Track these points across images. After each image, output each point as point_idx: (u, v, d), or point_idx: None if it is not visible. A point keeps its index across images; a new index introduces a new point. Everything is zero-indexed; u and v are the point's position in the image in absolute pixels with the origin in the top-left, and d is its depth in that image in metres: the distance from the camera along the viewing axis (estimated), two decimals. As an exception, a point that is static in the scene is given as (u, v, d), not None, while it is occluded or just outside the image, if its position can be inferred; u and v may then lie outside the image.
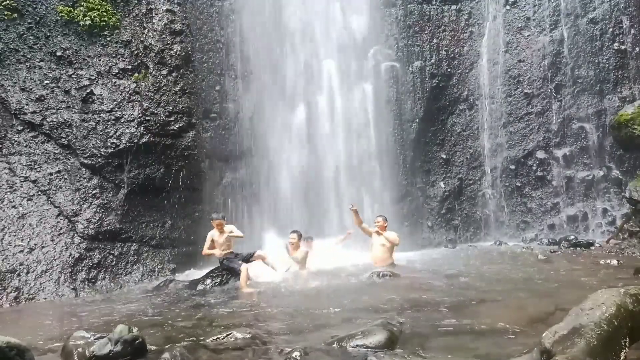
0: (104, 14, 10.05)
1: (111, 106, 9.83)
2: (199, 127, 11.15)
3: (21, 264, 8.47)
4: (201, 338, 4.88)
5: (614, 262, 8.28)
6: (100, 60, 10.00)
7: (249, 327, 5.28)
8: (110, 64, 10.03)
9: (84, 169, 9.65)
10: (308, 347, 4.18)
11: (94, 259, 9.26)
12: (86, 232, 9.30)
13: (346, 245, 10.37)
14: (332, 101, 12.80)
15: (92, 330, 4.89)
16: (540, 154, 13.64)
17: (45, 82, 9.70)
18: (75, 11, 9.92)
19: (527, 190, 13.70)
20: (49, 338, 5.35)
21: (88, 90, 9.80)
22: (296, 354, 4.00)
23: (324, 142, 12.63)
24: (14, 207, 8.98)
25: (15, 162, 9.35)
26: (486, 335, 4.52)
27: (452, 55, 14.09)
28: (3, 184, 9.09)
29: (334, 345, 4.25)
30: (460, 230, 13.72)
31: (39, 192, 9.29)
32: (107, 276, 9.30)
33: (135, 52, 10.26)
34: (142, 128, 9.94)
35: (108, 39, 10.13)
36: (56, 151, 9.63)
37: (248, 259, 8.64)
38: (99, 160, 9.66)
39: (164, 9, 10.62)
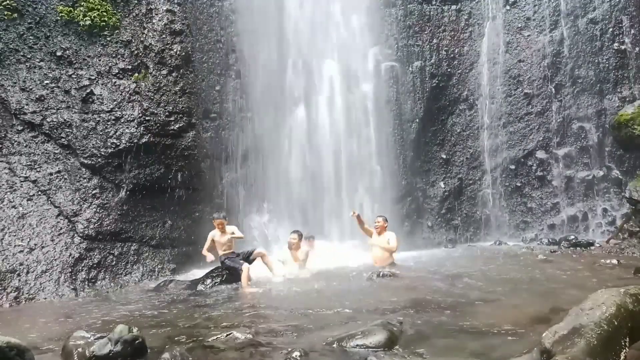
0: (104, 14, 10.05)
1: (111, 106, 9.83)
2: (199, 127, 11.15)
3: (21, 264, 8.47)
4: (201, 338, 4.88)
5: (614, 262, 8.27)
6: (100, 60, 10.00)
7: (249, 327, 5.28)
8: (110, 64, 10.03)
9: (84, 169, 9.65)
10: (308, 347, 4.18)
11: (94, 259, 9.26)
12: (86, 232, 9.30)
13: (346, 245, 10.37)
14: (332, 101, 12.80)
15: (92, 330, 4.89)
16: (540, 154, 13.64)
17: (45, 82, 9.70)
18: (75, 11, 9.92)
19: (527, 190, 13.70)
20: (49, 338, 5.35)
21: (88, 90, 9.80)
22: (296, 354, 4.00)
23: (324, 142, 12.63)
24: (14, 207, 8.98)
25: (15, 162, 9.35)
26: (486, 335, 4.52)
27: (452, 55, 14.09)
28: (3, 184, 9.10)
29: (334, 345, 4.25)
30: (460, 230, 13.72)
31: (39, 192, 9.29)
32: (107, 276, 9.30)
33: (135, 52, 10.26)
34: (142, 128, 9.94)
35: (108, 39, 10.13)
36: (56, 151, 9.63)
37: (248, 257, 8.64)
38: (99, 160, 9.66)
39: (164, 9, 10.62)
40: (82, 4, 9.96)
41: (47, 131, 9.62)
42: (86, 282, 8.96)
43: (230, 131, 12.12)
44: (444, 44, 14.06)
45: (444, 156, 14.00)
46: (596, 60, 13.41)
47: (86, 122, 9.70)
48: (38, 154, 9.52)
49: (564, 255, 9.86)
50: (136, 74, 10.16)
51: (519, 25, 14.04)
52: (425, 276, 8.23)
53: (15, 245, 8.62)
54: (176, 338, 4.99)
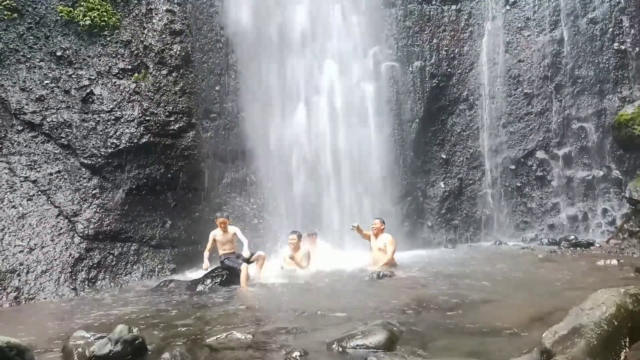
0: (104, 14, 10.06)
1: (111, 106, 9.83)
2: (199, 127, 11.15)
3: (21, 264, 8.47)
4: (201, 338, 4.88)
5: (614, 262, 8.27)
6: (100, 60, 10.00)
7: (249, 327, 5.29)
8: (110, 64, 10.03)
9: (84, 169, 9.65)
10: (308, 347, 4.18)
11: (94, 259, 9.26)
12: (86, 232, 9.30)
13: (346, 245, 10.37)
14: (332, 101, 12.79)
15: (92, 330, 4.89)
16: (540, 154, 13.64)
17: (45, 82, 9.70)
18: (75, 11, 9.92)
19: (527, 190, 13.70)
20: (49, 338, 5.35)
21: (88, 90, 9.80)
22: (296, 354, 4.00)
23: (324, 142, 12.62)
24: (14, 207, 8.98)
25: (15, 162, 9.35)
26: (486, 335, 4.52)
27: (452, 55, 14.09)
28: (3, 184, 9.09)
29: (334, 345, 4.25)
30: (460, 230, 13.72)
31: (39, 192, 9.29)
32: (107, 276, 9.30)
33: (135, 52, 10.26)
34: (142, 128, 9.94)
35: (108, 39, 10.13)
36: (56, 151, 9.63)
37: (249, 259, 8.64)
38: (99, 160, 9.66)
39: (164, 9, 10.62)
40: (82, 4, 9.96)
41: (47, 131, 9.62)
42: (86, 282, 8.96)
43: (230, 131, 12.11)
44: (444, 44, 14.06)
45: (444, 156, 14.00)
46: (596, 60, 13.41)
47: (86, 122, 9.70)
48: (38, 154, 9.52)
49: (564, 256, 9.86)
50: (136, 74, 10.16)
51: (519, 25, 14.04)
52: (425, 276, 8.23)
53: (15, 245, 8.62)
54: (176, 338, 4.99)
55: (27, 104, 9.57)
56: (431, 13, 14.07)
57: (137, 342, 4.28)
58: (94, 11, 9.96)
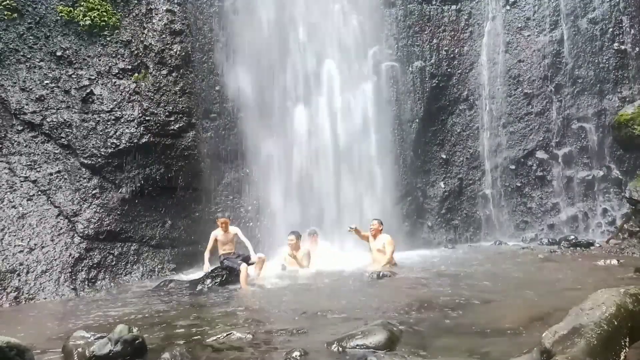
0: (104, 14, 10.06)
1: (111, 106, 9.83)
2: (199, 127, 11.15)
3: (21, 264, 8.47)
4: (201, 338, 4.88)
5: (614, 262, 8.27)
6: (100, 60, 10.01)
7: (249, 327, 5.29)
8: (110, 64, 10.03)
9: (84, 169, 9.65)
10: (308, 347, 4.18)
11: (94, 259, 9.26)
12: (86, 232, 9.31)
13: (346, 245, 10.37)
14: (332, 101, 12.79)
15: (92, 330, 4.88)
16: (540, 154, 13.63)
17: (45, 82, 9.70)
18: (75, 11, 9.92)
19: (527, 190, 13.70)
20: (49, 338, 5.35)
21: (88, 90, 9.81)
22: (296, 353, 4.00)
23: (324, 142, 12.62)
24: (14, 207, 8.98)
25: (15, 162, 9.35)
26: (486, 335, 4.52)
27: (452, 55, 14.09)
28: (3, 184, 9.10)
29: (334, 345, 4.25)
30: (460, 230, 13.72)
31: (39, 192, 9.29)
32: (107, 276, 9.30)
33: (135, 52, 10.26)
34: (142, 128, 9.95)
35: (108, 39, 10.13)
36: (56, 151, 9.63)
37: (248, 260, 8.63)
38: (99, 160, 9.67)
39: (164, 9, 10.63)
40: (82, 4, 9.96)
41: (47, 131, 9.62)
42: (86, 282, 8.96)
43: (230, 131, 12.11)
44: (444, 44, 14.05)
45: (444, 156, 13.99)
46: (596, 60, 13.41)
47: (86, 122, 9.70)
48: (38, 154, 9.52)
49: (564, 255, 9.86)
50: (136, 74, 10.16)
51: (519, 25, 14.03)
52: (425, 276, 8.22)
53: (15, 245, 8.62)
54: (176, 338, 4.99)
55: (27, 104, 9.57)
56: (431, 13, 14.06)
57: (137, 342, 4.28)
58: (94, 11, 9.96)
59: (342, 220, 11.79)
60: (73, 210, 9.34)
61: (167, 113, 10.24)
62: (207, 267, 8.54)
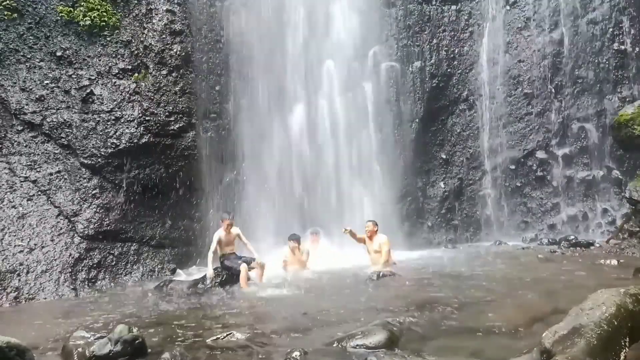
0: (104, 14, 10.06)
1: (111, 106, 9.83)
2: (199, 127, 11.15)
3: (21, 264, 8.47)
4: (201, 338, 4.88)
5: (614, 262, 8.27)
6: (100, 60, 10.00)
7: (249, 327, 5.29)
8: (110, 64, 10.03)
9: (84, 169, 9.65)
10: (308, 347, 4.18)
11: (94, 259, 9.26)
12: (86, 232, 9.31)
13: (346, 245, 10.36)
14: (332, 101, 12.78)
15: (92, 330, 4.89)
16: (540, 154, 13.63)
17: (45, 82, 9.70)
18: (75, 11, 9.92)
19: (527, 190, 13.69)
20: (49, 338, 5.35)
21: (88, 90, 9.80)
22: (296, 354, 4.00)
23: (324, 142, 12.61)
24: (14, 207, 8.98)
25: (15, 162, 9.35)
26: (486, 335, 4.52)
27: (452, 55, 14.09)
28: (3, 184, 9.09)
29: (334, 345, 4.25)
30: (460, 230, 13.71)
31: (39, 192, 9.29)
32: (107, 276, 9.30)
33: (135, 52, 10.26)
34: (142, 128, 9.95)
35: (108, 39, 10.13)
36: (56, 151, 9.63)
37: (249, 263, 8.59)
38: (99, 160, 9.67)
39: (164, 9, 10.62)
40: (82, 4, 9.96)
41: (47, 131, 9.62)
42: (86, 282, 8.96)
43: (230, 131, 12.11)
44: (444, 44, 14.05)
45: (444, 156, 13.99)
46: (596, 61, 13.40)
47: (86, 122, 9.70)
48: (38, 154, 9.52)
49: (564, 256, 9.86)
50: (136, 74, 10.16)
51: (519, 25, 14.03)
52: (424, 276, 8.22)
53: (15, 245, 8.62)
54: (176, 338, 4.99)
55: (27, 104, 9.57)
56: (431, 13, 14.05)
57: (137, 342, 4.29)
58: (94, 11, 9.96)
59: (343, 221, 11.78)
60: (73, 210, 9.34)
61: (167, 113, 10.24)
62: (210, 273, 8.39)
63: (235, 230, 8.83)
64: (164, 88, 10.32)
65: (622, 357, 3.03)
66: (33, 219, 9.01)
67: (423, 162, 13.82)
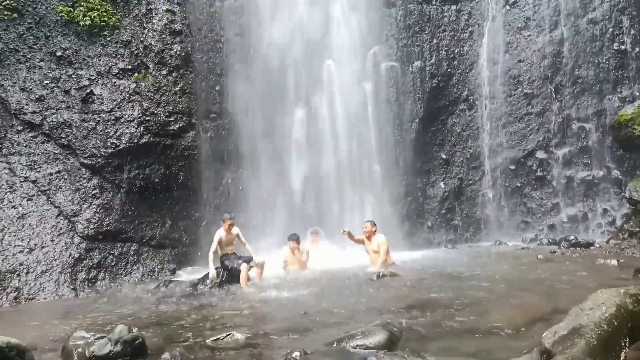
0: (104, 14, 10.05)
1: (111, 106, 9.83)
2: (199, 127, 11.15)
3: (21, 264, 8.47)
4: (201, 338, 4.88)
5: (614, 262, 8.27)
6: (100, 60, 10.00)
7: (249, 327, 5.29)
8: (110, 64, 10.03)
9: (84, 169, 9.65)
10: (308, 348, 4.18)
11: (94, 259, 9.26)
12: (86, 232, 9.30)
13: (346, 245, 10.36)
14: (332, 101, 12.78)
15: (92, 330, 4.89)
16: (540, 154, 13.63)
17: (45, 82, 9.70)
18: (75, 11, 9.92)
19: (527, 190, 13.69)
20: (49, 338, 5.36)
21: (88, 90, 9.80)
22: (296, 354, 4.00)
23: (324, 142, 12.61)
24: (14, 207, 8.98)
25: (15, 162, 9.35)
26: (486, 335, 4.52)
27: (452, 55, 14.09)
28: (3, 184, 9.09)
29: (334, 345, 4.25)
30: (460, 231, 13.71)
31: (39, 192, 9.29)
32: (107, 276, 9.30)
33: (135, 52, 10.26)
34: (142, 128, 9.94)
35: (108, 39, 10.13)
36: (56, 151, 9.63)
37: (248, 262, 8.58)
38: (99, 160, 9.66)
39: (164, 9, 10.63)
40: (82, 4, 9.96)
41: (47, 131, 9.62)
42: (86, 283, 8.96)
43: (230, 131, 12.11)
44: (444, 44, 14.05)
45: (444, 156, 13.99)
46: (596, 60, 13.40)
47: (86, 122, 9.70)
48: (38, 154, 9.52)
49: (564, 256, 9.86)
50: (136, 74, 10.16)
51: (519, 25, 14.03)
52: (424, 276, 8.22)
53: (15, 245, 8.62)
54: (176, 338, 4.99)
55: (27, 104, 9.57)
56: (431, 13, 14.06)
57: (137, 342, 4.28)
58: (94, 11, 9.96)
59: (343, 220, 11.79)
60: (73, 210, 9.34)
61: (167, 113, 10.24)
62: (212, 273, 8.32)
63: (235, 230, 8.83)
64: (164, 88, 10.32)
65: (622, 357, 3.02)
66: (33, 219, 9.01)
67: (423, 162, 13.82)
